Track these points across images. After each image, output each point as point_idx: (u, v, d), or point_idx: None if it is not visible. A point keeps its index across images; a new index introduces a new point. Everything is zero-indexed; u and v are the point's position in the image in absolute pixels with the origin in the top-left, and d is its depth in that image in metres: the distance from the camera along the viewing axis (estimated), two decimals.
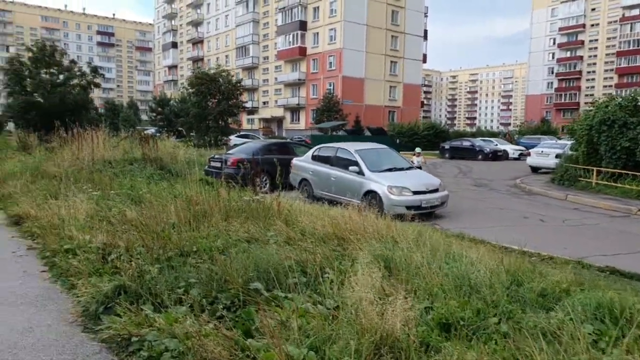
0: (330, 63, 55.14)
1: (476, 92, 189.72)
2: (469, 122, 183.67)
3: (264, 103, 67.36)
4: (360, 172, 10.91)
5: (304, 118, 59.86)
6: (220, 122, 25.53)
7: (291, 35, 58.30)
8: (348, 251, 5.08)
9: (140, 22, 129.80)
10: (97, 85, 22.25)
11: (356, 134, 35.24)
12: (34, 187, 10.05)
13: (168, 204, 6.70)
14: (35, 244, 6.30)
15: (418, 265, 4.29)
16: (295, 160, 13.34)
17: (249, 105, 56.68)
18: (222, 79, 25.29)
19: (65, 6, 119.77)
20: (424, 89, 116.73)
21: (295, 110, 61.44)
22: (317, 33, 56.42)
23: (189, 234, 5.71)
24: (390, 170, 11.07)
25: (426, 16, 62.05)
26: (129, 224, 6.08)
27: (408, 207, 9.76)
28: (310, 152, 13.11)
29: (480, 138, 38.77)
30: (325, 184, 11.97)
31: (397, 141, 30.65)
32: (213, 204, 6.76)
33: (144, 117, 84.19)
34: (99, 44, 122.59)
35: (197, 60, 79.67)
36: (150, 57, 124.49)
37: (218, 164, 14.62)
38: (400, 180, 10.42)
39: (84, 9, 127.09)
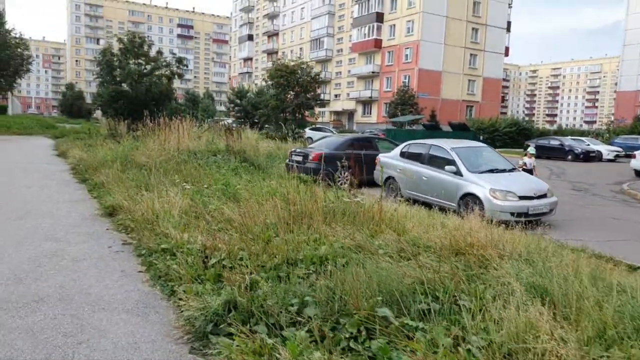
0: (407, 55, 53.59)
1: (558, 87, 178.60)
2: (548, 119, 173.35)
3: (336, 96, 66.93)
4: (458, 173, 10.02)
5: (376, 111, 58.79)
6: (297, 115, 25.33)
7: (367, 28, 57.28)
8: (476, 271, 4.35)
9: (217, 16, 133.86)
10: (181, 76, 22.69)
11: (433, 129, 33.80)
12: (124, 176, 10.09)
13: (264, 202, 6.27)
14: (129, 238, 6.09)
15: (578, 297, 3.50)
16: (381, 157, 12.64)
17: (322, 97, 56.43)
18: (301, 72, 25.05)
19: (150, 1, 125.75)
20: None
21: (367, 104, 60.47)
22: (394, 25, 55.00)
23: (289, 236, 5.22)
24: (491, 171, 10.08)
25: (510, 7, 58.65)
26: (225, 223, 5.70)
27: (513, 214, 8.80)
28: (398, 149, 12.35)
29: (570, 137, 35.97)
30: (416, 184, 11.18)
31: (481, 138, 28.95)
32: (311, 204, 6.24)
33: (218, 107, 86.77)
34: (179, 36, 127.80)
35: (271, 52, 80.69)
36: (226, 50, 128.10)
37: (299, 158, 14.23)
38: (504, 183, 9.43)
39: (166, 2, 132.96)
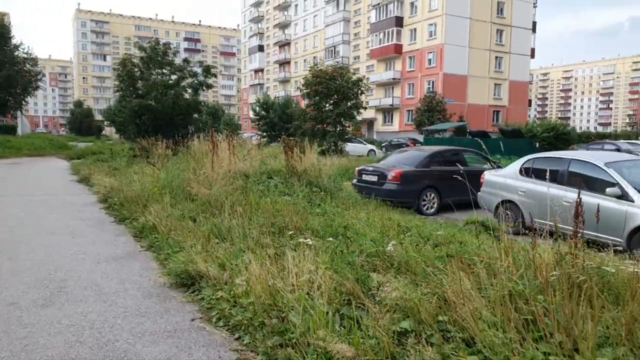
0: (430, 60, 51.15)
1: (570, 90, 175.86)
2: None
3: None
4: (624, 197, 7.42)
5: (398, 119, 56.29)
6: (337, 127, 22.77)
7: (386, 33, 54.95)
8: None
9: (224, 28, 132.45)
10: (209, 87, 20.26)
11: (481, 137, 30.82)
12: (175, 211, 7.59)
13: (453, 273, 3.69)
14: (239, 344, 3.54)
15: None
16: (490, 175, 10.03)
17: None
18: (341, 77, 22.52)
19: (156, 15, 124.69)
20: None
21: (388, 111, 57.98)
22: (415, 29, 52.65)
23: None
24: None
25: (535, 6, 56.20)
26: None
27: None
28: (516, 165, 9.74)
29: (622, 140, 33.26)
30: (551, 211, 8.57)
31: (537, 145, 26.32)
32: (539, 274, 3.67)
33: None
34: (186, 49, 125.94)
35: (283, 63, 78.68)
36: (234, 62, 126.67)
37: (373, 178, 11.68)
38: None
39: (172, 16, 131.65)
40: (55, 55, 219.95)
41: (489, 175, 10.03)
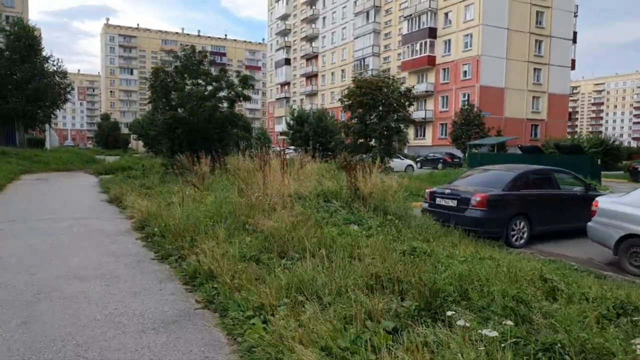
0: (465, 72, 49.22)
1: (602, 103, 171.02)
2: (585, 136, 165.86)
3: None
4: None
5: (431, 133, 54.32)
6: (382, 141, 20.99)
7: (418, 44, 53.31)
8: None
9: (250, 42, 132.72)
10: (247, 99, 18.83)
11: (533, 152, 28.54)
12: (232, 248, 5.99)
13: None
14: None
15: None
16: (607, 203, 8.17)
17: None
18: (388, 88, 20.82)
19: (182, 29, 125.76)
20: None
21: (420, 125, 55.98)
22: (449, 40, 50.88)
23: None
24: None
25: (576, 16, 53.94)
26: None
27: None
28: None
29: None
30: None
31: (599, 162, 24.11)
32: None
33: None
34: (212, 63, 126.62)
35: (310, 76, 77.71)
36: (259, 76, 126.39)
37: (450, 203, 9.91)
38: None
39: (198, 31, 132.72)
40: (83, 69, 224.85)
41: (605, 203, 8.17)
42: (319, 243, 5.99)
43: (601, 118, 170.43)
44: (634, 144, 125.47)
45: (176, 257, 6.46)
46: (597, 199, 8.44)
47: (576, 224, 10.11)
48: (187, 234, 6.96)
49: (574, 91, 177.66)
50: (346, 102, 21.54)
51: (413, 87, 24.29)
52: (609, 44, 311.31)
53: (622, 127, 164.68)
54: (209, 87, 18.33)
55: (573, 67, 54.19)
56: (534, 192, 9.94)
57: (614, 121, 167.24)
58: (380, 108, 20.84)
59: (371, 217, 8.79)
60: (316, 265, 5.04)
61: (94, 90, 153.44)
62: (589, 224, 8.37)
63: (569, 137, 49.41)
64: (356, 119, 21.43)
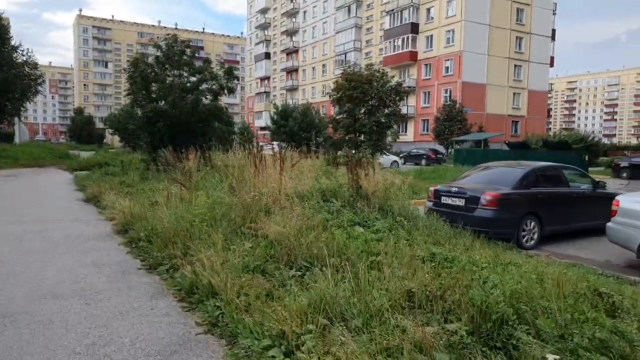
0: (447, 68, 49.02)
1: (574, 101, 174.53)
2: (565, 133, 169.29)
3: None
4: None
5: (412, 129, 54.04)
6: (372, 136, 20.33)
7: (400, 40, 52.89)
8: None
9: (228, 36, 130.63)
10: (232, 91, 17.93)
11: (520, 149, 28.36)
12: (233, 256, 5.23)
13: None
14: None
15: None
16: (629, 202, 7.66)
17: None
18: (377, 82, 20.17)
19: (159, 22, 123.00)
20: None
21: (402, 121, 55.62)
22: (431, 36, 50.60)
23: None
24: None
25: (554, 13, 54.32)
26: None
27: None
28: None
29: None
30: None
31: (587, 158, 23.97)
32: None
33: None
34: (194, 54, 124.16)
35: (290, 70, 76.71)
36: (238, 71, 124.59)
37: (457, 202, 9.31)
38: None
39: (175, 24, 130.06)
40: (55, 62, 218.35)
41: (628, 202, 7.65)
42: (329, 249, 5.29)
43: (574, 115, 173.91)
44: (605, 141, 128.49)
45: (167, 267, 5.67)
46: (617, 197, 7.93)
47: (585, 224, 9.69)
48: (178, 239, 6.16)
49: (548, 88, 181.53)
50: (335, 96, 20.84)
51: (403, 81, 23.66)
52: (582, 43, 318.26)
53: (594, 125, 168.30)
54: (192, 79, 17.36)
55: (552, 64, 54.59)
56: (545, 190, 9.41)
57: (586, 118, 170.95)
58: (371, 102, 20.20)
59: (377, 218, 8.12)
60: (337, 279, 4.33)
61: (66, 84, 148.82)
62: (609, 224, 7.86)
63: (551, 133, 49.81)
64: (345, 114, 20.77)
